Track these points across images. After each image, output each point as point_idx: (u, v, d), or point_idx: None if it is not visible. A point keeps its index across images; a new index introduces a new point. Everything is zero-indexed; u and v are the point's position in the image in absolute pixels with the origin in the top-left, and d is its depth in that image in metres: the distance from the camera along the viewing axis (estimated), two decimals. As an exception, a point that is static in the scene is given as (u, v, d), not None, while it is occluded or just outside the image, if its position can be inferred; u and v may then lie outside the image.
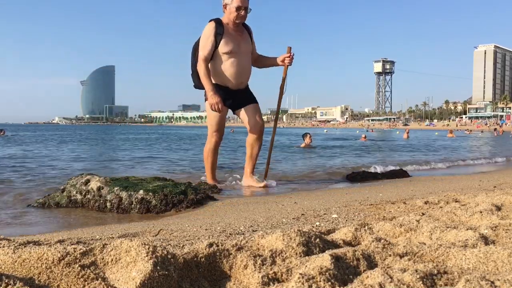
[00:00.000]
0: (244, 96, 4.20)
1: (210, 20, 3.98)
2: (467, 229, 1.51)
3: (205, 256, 1.15)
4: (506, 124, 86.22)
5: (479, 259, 1.15)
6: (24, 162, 7.13)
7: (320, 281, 0.99)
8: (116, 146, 13.96)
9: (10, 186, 4.24)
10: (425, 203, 2.52)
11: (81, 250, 1.09)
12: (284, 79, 4.34)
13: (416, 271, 1.01)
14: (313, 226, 1.87)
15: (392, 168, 5.95)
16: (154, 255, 1.06)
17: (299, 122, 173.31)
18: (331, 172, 5.94)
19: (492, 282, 0.93)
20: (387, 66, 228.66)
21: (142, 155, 9.44)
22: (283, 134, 28.00)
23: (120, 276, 1.04)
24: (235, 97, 4.13)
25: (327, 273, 1.03)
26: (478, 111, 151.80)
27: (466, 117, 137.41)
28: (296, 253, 1.22)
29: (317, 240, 1.33)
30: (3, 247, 1.14)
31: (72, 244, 1.30)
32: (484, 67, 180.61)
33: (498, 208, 2.00)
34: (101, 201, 3.10)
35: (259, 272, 1.08)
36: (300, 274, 1.00)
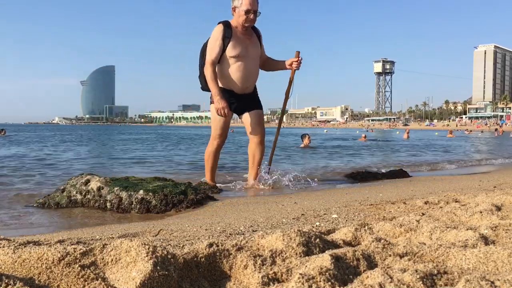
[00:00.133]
0: (250, 101, 4.17)
1: (219, 23, 3.95)
2: (467, 229, 1.51)
3: (205, 256, 1.15)
4: (506, 124, 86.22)
5: (479, 259, 1.15)
6: (24, 162, 7.13)
7: (320, 281, 0.99)
8: (116, 146, 13.96)
9: (10, 186, 4.24)
10: (425, 203, 2.52)
11: (81, 250, 1.09)
12: (290, 83, 4.32)
13: (416, 271, 1.01)
14: (313, 226, 1.87)
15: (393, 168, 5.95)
16: (154, 255, 1.06)
17: (299, 122, 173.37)
18: (331, 172, 5.95)
19: (492, 282, 0.93)
20: (387, 66, 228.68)
21: (142, 155, 9.45)
22: (283, 134, 28.00)
23: (120, 276, 1.04)
24: (240, 101, 4.10)
25: (327, 273, 1.03)
26: (478, 111, 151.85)
27: (466, 117, 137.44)
28: (296, 253, 1.22)
29: (317, 240, 1.33)
30: (3, 247, 1.14)
31: (72, 244, 1.30)
32: (484, 67, 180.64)
33: (498, 208, 2.00)
34: (101, 201, 3.10)
35: (259, 272, 1.08)
36: (300, 274, 1.00)
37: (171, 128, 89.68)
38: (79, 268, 1.03)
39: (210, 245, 1.19)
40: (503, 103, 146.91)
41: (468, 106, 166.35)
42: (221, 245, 1.19)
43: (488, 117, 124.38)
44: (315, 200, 3.20)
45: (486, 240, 1.40)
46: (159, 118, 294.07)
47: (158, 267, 1.02)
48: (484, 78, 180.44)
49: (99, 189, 3.16)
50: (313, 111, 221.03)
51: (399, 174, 5.29)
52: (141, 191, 3.10)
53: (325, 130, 53.09)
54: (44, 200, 3.23)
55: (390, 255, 1.22)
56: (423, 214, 2.00)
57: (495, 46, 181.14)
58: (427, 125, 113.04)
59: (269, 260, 1.16)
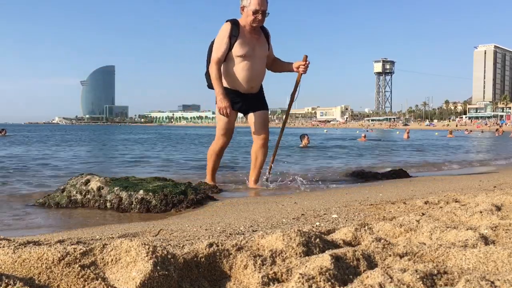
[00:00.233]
0: (255, 101, 4.13)
1: (227, 21, 3.91)
2: (467, 229, 1.51)
3: (205, 256, 1.15)
4: (506, 124, 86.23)
5: (479, 259, 1.15)
6: (24, 161, 7.13)
7: (320, 281, 0.99)
8: (116, 146, 13.96)
9: (10, 186, 4.25)
10: (425, 203, 2.52)
11: (81, 250, 1.09)
12: (296, 87, 4.29)
13: (416, 271, 1.01)
14: (313, 226, 1.87)
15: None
16: (154, 255, 1.06)
17: (299, 122, 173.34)
18: (331, 172, 5.95)
19: (492, 282, 0.93)
20: (387, 66, 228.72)
21: (142, 155, 9.45)
22: (284, 134, 27.95)
23: (120, 276, 1.04)
24: (245, 101, 4.06)
25: (327, 273, 1.03)
26: (478, 111, 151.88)
27: (466, 117, 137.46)
28: (296, 253, 1.22)
29: (317, 240, 1.33)
30: (3, 247, 1.14)
31: (72, 244, 1.30)
32: (484, 67, 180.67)
33: (498, 208, 1.99)
34: (101, 201, 3.10)
35: (259, 272, 1.08)
36: (300, 274, 1.00)
37: (171, 128, 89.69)
38: (79, 268, 1.03)
39: (210, 245, 1.19)
40: (503, 103, 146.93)
41: (468, 106, 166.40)
42: (221, 245, 1.19)
43: (488, 117, 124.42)
44: (315, 200, 3.20)
45: (486, 240, 1.40)
46: (159, 118, 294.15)
47: (158, 267, 1.02)
48: (484, 78, 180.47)
49: (99, 189, 3.16)
50: (313, 111, 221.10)
51: (399, 174, 5.29)
52: (141, 191, 3.10)
53: (325, 130, 53.13)
54: (44, 200, 3.23)
55: (390, 255, 1.22)
56: (423, 214, 2.00)
57: (495, 46, 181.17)
58: (427, 125, 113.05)
59: (269, 260, 1.16)
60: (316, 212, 2.56)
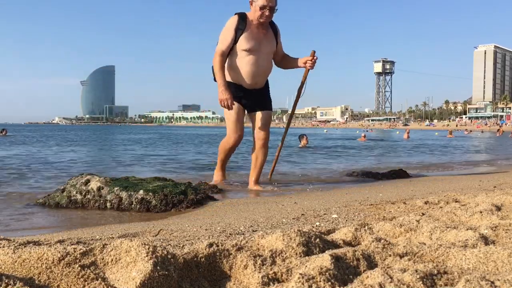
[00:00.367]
0: (260, 97, 4.08)
1: (235, 14, 3.88)
2: (467, 229, 1.50)
3: (205, 256, 1.15)
4: (506, 124, 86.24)
5: (479, 259, 1.15)
6: (24, 161, 7.13)
7: (320, 281, 0.99)
8: (116, 146, 13.97)
9: (11, 186, 4.25)
10: (425, 203, 2.52)
11: (81, 250, 1.09)
12: (303, 82, 4.24)
13: (416, 271, 1.01)
14: (313, 226, 1.87)
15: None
16: (154, 255, 1.06)
17: (299, 122, 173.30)
18: (330, 172, 5.95)
19: (492, 282, 0.93)
20: (387, 66, 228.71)
21: (142, 155, 9.45)
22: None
23: (120, 276, 1.04)
24: (250, 96, 4.00)
25: (327, 273, 1.03)
26: (478, 111, 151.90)
27: (466, 117, 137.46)
28: (296, 253, 1.22)
29: (317, 240, 1.33)
30: (3, 247, 1.14)
31: (72, 244, 1.30)
32: (484, 67, 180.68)
33: (498, 208, 1.99)
34: (101, 201, 3.10)
35: (259, 272, 1.08)
36: (300, 274, 1.00)
37: (171, 128, 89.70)
38: (79, 268, 1.03)
39: (210, 245, 1.19)
40: (503, 103, 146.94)
41: (468, 106, 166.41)
42: (221, 245, 1.19)
43: (488, 117, 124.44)
44: (315, 200, 3.20)
45: (486, 240, 1.40)
46: (159, 118, 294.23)
47: (158, 267, 1.02)
48: (484, 78, 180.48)
49: (99, 189, 3.16)
50: (313, 111, 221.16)
51: (399, 174, 5.29)
52: (141, 191, 3.10)
53: (325, 130, 53.15)
54: (44, 200, 3.23)
55: (390, 255, 1.22)
56: (423, 214, 2.00)
57: (495, 46, 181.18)
58: (427, 125, 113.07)
59: (269, 260, 1.16)
60: (316, 212, 2.56)
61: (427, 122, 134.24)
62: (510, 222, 1.58)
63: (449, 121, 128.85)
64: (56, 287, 1.00)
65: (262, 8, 3.73)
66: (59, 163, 7.02)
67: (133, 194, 3.07)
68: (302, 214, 2.49)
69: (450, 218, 1.91)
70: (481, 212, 1.90)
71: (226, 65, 3.91)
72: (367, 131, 42.16)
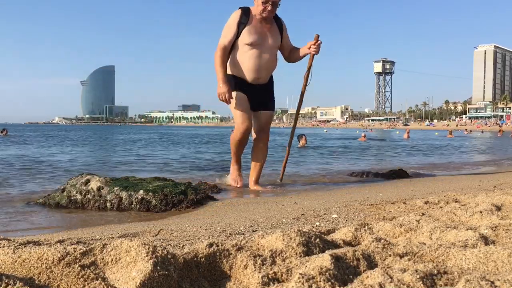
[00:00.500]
0: (263, 94, 4.01)
1: (239, 8, 3.85)
2: (467, 229, 1.50)
3: (205, 256, 1.15)
4: (506, 124, 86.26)
5: (479, 259, 1.15)
6: (24, 161, 7.13)
7: (320, 281, 0.99)
8: (116, 146, 13.96)
9: (10, 186, 4.25)
10: (425, 203, 2.52)
11: (81, 250, 1.09)
12: (309, 69, 4.06)
13: (416, 271, 1.01)
14: (313, 226, 1.87)
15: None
16: (154, 255, 1.06)
17: (299, 122, 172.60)
18: (330, 172, 5.95)
19: (492, 282, 0.93)
20: (387, 66, 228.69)
21: (142, 155, 9.44)
22: (283, 134, 27.99)
23: (120, 276, 1.04)
24: (253, 91, 3.92)
25: (327, 273, 1.03)
26: (478, 111, 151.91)
27: (466, 117, 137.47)
28: (296, 253, 1.22)
29: (317, 240, 1.33)
30: (3, 247, 1.14)
31: (72, 244, 1.30)
32: (484, 67, 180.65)
33: (498, 208, 1.99)
34: (101, 201, 3.10)
35: (259, 272, 1.08)
36: (300, 274, 1.00)
37: (171, 128, 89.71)
38: (79, 268, 1.03)
39: (210, 245, 1.19)
40: (503, 103, 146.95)
41: (468, 106, 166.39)
42: (221, 245, 1.19)
43: (488, 117, 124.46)
44: (315, 200, 3.20)
45: (486, 240, 1.40)
46: (159, 118, 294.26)
47: (158, 267, 1.02)
48: (484, 78, 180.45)
49: (99, 189, 3.16)
50: (313, 111, 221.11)
51: (399, 174, 5.29)
52: (141, 191, 3.10)
53: (325, 130, 53.18)
54: (44, 200, 3.23)
55: (390, 255, 1.22)
56: (423, 214, 2.00)
57: (495, 46, 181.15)
58: (427, 125, 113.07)
59: (269, 260, 1.16)
60: (316, 212, 2.56)
61: (427, 122, 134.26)
62: (510, 222, 1.58)
63: (449, 121, 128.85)
64: (56, 287, 1.00)
65: (264, 2, 3.70)
66: (58, 163, 7.02)
67: (133, 194, 3.07)
68: (302, 214, 2.49)
69: (450, 218, 1.91)
70: (481, 212, 1.90)
71: (229, 59, 3.88)
72: (367, 131, 42.15)
